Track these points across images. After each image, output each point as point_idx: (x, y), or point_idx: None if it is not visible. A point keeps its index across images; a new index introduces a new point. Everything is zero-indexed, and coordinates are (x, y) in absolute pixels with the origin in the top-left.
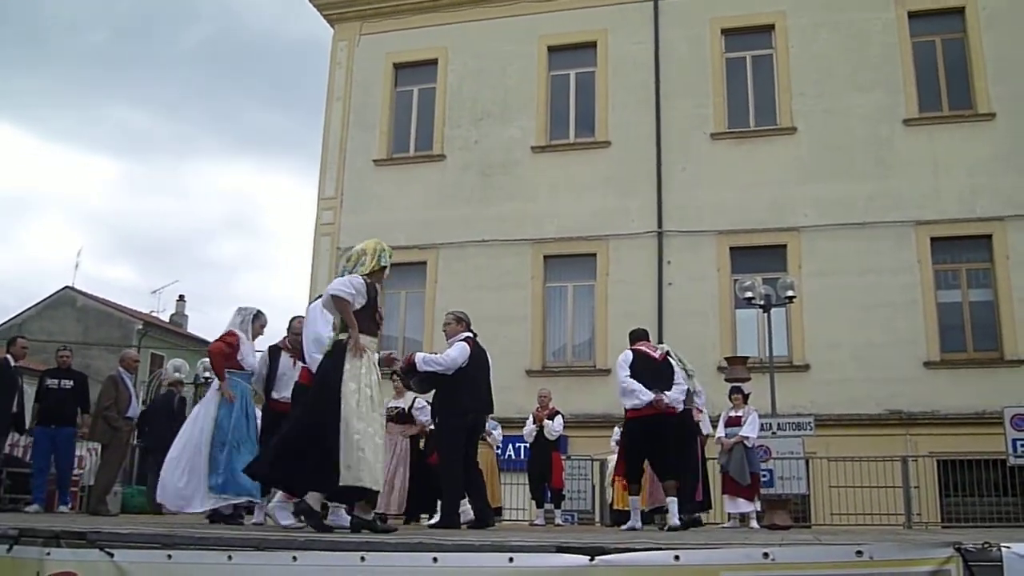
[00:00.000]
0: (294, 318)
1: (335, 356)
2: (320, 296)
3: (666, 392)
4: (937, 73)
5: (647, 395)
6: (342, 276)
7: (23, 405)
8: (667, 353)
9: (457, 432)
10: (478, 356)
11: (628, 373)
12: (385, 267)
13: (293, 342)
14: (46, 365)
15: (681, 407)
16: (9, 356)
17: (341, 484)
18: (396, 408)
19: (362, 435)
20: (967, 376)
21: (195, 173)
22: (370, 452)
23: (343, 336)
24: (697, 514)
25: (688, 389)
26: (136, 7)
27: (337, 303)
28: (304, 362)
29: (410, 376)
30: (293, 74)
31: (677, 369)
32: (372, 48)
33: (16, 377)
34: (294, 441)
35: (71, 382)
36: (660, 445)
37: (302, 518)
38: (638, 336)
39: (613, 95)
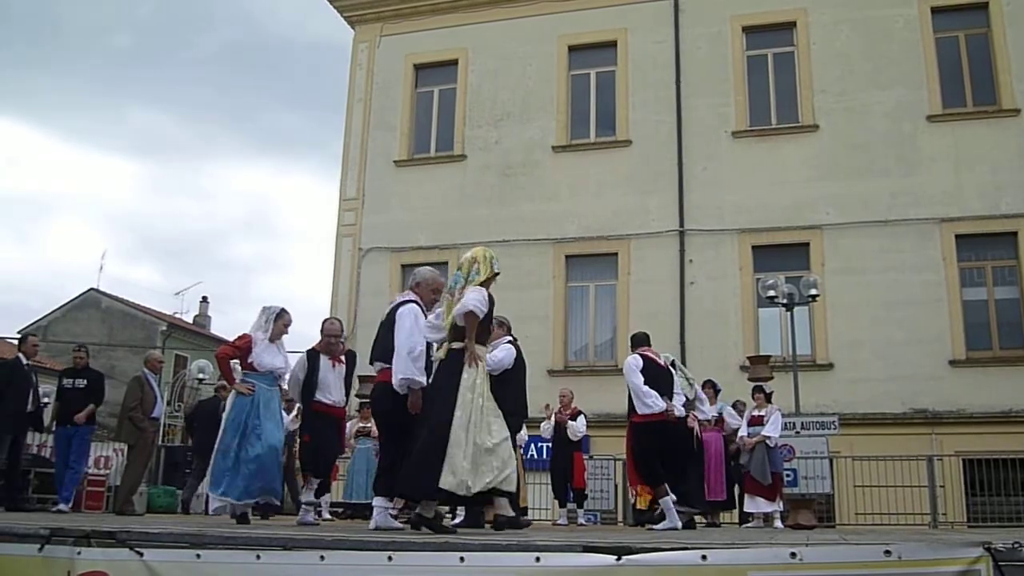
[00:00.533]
0: (326, 320)
1: (450, 365)
2: (405, 302)
3: (673, 403)
4: (961, 69)
5: (662, 403)
6: (455, 285)
7: (39, 403)
8: (672, 363)
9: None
10: (520, 360)
11: (643, 379)
12: (497, 273)
13: (328, 344)
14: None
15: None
16: (21, 355)
17: (441, 486)
18: None
19: (469, 444)
20: (993, 374)
21: (216, 174)
22: (469, 461)
23: (456, 345)
24: (693, 516)
25: (688, 397)
26: (158, 11)
27: (470, 318)
28: (342, 362)
29: None
30: (313, 76)
31: (678, 378)
32: (392, 49)
33: (30, 375)
34: (422, 453)
35: (84, 381)
36: (669, 449)
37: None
38: (640, 340)
39: (633, 94)
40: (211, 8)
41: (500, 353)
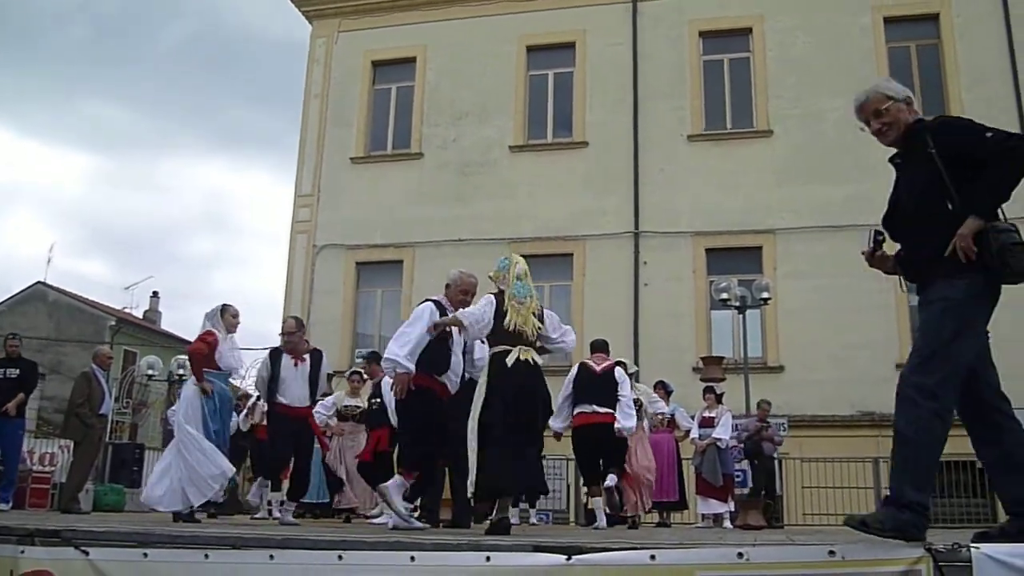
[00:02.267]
0: (290, 317)
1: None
2: (426, 300)
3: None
4: (912, 78)
5: (555, 423)
6: (524, 295)
7: None
8: (616, 364)
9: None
10: None
11: (567, 391)
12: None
13: (286, 343)
14: None
15: (631, 424)
16: None
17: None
18: (356, 407)
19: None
20: None
21: (172, 170)
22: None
23: (538, 358)
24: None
25: (636, 400)
26: (118, 3)
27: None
28: (305, 361)
29: None
30: (273, 72)
31: (623, 382)
32: (350, 45)
33: None
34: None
35: (17, 371)
36: (596, 452)
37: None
38: (596, 348)
39: (591, 95)
40: (173, 2)
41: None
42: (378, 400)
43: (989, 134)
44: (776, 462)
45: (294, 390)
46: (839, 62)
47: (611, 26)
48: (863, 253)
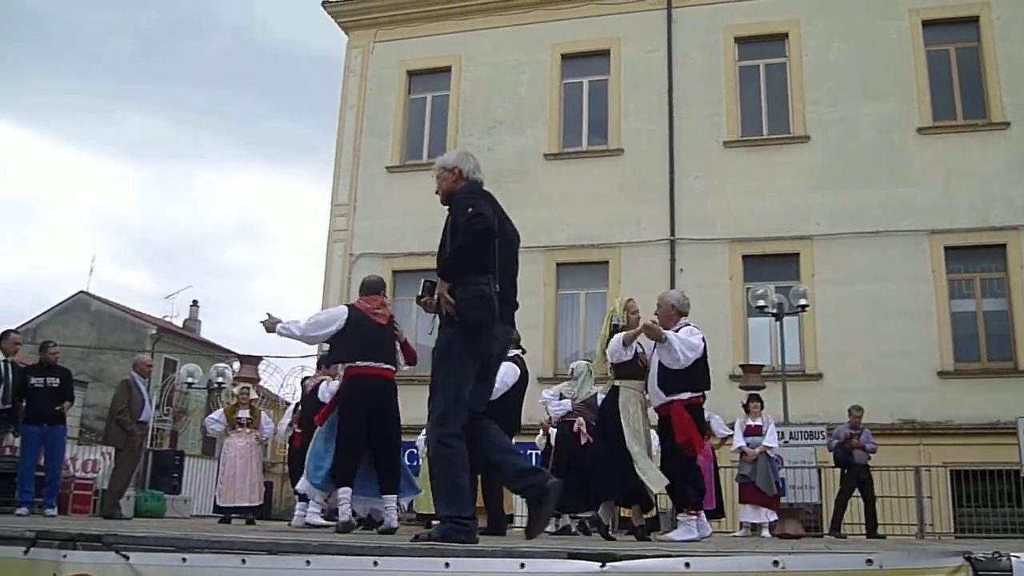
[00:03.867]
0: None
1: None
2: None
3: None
4: (951, 82)
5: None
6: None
7: (12, 401)
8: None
9: None
10: (523, 376)
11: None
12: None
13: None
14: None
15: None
16: None
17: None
18: None
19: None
20: (981, 386)
21: (210, 180)
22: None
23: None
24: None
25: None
26: (159, 18)
27: None
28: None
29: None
30: (310, 84)
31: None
32: (386, 56)
33: (6, 372)
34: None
35: (57, 380)
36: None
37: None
38: None
39: (626, 103)
40: (212, 16)
41: (507, 377)
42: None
43: (469, 210)
44: (868, 471)
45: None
46: (876, 66)
47: (646, 33)
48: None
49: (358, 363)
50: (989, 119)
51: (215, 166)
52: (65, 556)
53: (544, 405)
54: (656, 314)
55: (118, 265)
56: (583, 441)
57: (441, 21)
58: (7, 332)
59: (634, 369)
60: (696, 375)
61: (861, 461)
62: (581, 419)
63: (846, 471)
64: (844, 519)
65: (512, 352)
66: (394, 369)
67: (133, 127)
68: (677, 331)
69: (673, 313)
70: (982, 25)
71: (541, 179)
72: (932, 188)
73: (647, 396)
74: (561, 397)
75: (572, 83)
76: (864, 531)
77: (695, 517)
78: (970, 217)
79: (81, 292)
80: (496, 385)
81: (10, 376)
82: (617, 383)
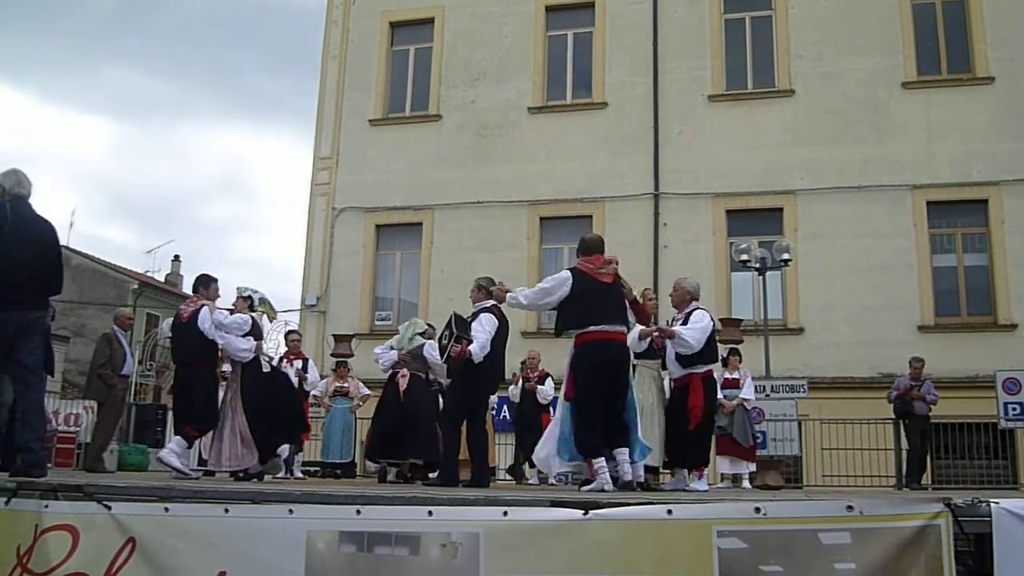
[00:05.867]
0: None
1: None
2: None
3: None
4: (936, 36)
5: None
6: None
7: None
8: None
9: (477, 398)
10: (503, 326)
11: None
12: None
13: None
14: None
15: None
16: None
17: None
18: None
19: None
20: (960, 340)
21: (192, 135)
22: None
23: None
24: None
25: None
26: None
27: None
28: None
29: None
30: (293, 39)
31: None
32: (368, 6)
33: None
34: None
35: None
36: None
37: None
38: None
39: (611, 56)
40: None
41: (487, 326)
42: None
43: None
44: (928, 421)
45: None
46: (861, 21)
47: None
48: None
49: (590, 328)
50: (973, 73)
51: (198, 121)
52: (47, 506)
53: (376, 360)
54: (671, 295)
55: (99, 220)
56: (403, 388)
57: None
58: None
59: (649, 351)
60: (706, 351)
61: (922, 412)
62: (405, 369)
63: (907, 422)
64: (826, 471)
65: (488, 303)
66: (625, 331)
67: (114, 82)
68: (690, 313)
69: (688, 298)
70: None
71: (525, 132)
72: (915, 143)
73: (664, 373)
74: (391, 349)
75: (556, 35)
76: (847, 483)
77: (703, 474)
78: (952, 172)
79: (62, 247)
80: (482, 341)
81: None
82: (635, 362)
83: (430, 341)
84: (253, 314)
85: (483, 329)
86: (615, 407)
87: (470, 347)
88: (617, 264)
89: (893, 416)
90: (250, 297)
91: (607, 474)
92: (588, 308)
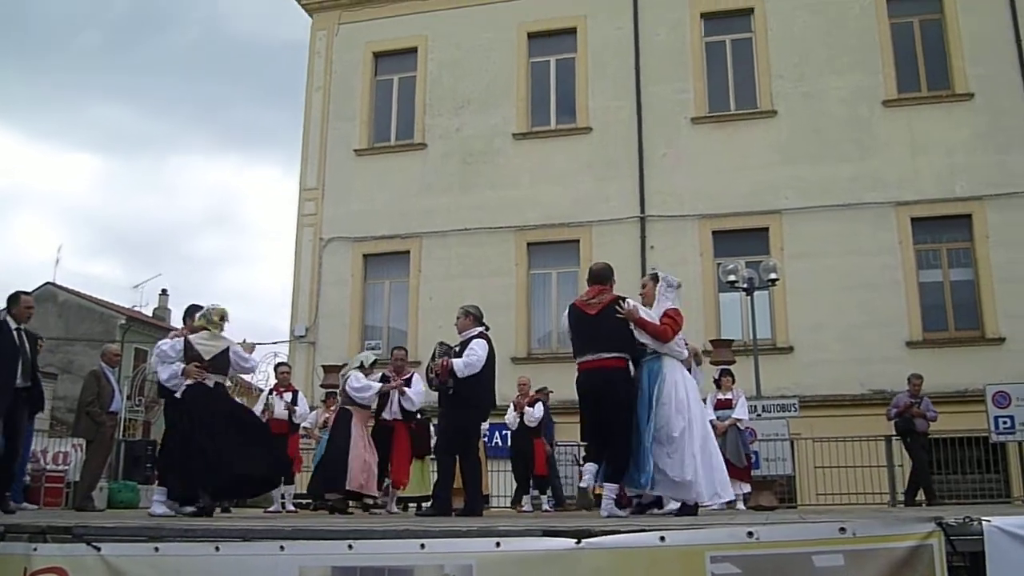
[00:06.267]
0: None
1: None
2: None
3: None
4: (915, 54)
5: None
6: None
7: (36, 378)
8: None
9: (477, 425)
10: (491, 353)
11: None
12: None
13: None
14: None
15: None
16: (10, 318)
17: None
18: None
19: None
20: (949, 355)
21: (180, 169)
22: None
23: None
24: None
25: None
26: (129, 9)
27: None
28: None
29: (445, 385)
30: (278, 72)
31: None
32: (351, 37)
33: (22, 342)
34: None
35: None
36: None
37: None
38: None
39: (593, 81)
40: (182, 8)
41: (479, 351)
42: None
43: None
44: (927, 438)
45: None
46: (841, 40)
47: (612, 10)
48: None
49: (577, 359)
50: (953, 90)
51: (186, 155)
52: (35, 549)
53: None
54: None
55: (86, 256)
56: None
57: (406, 1)
58: (17, 295)
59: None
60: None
61: (922, 429)
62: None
63: (909, 440)
64: (819, 490)
65: (477, 328)
66: (613, 357)
67: (100, 118)
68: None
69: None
70: None
71: (510, 159)
72: (898, 160)
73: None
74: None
75: (539, 62)
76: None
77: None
78: (936, 188)
79: (48, 283)
80: (471, 360)
81: (27, 347)
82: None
83: (355, 372)
84: (195, 335)
85: (475, 351)
86: (608, 431)
87: (453, 360)
88: (618, 298)
89: (885, 433)
90: (205, 315)
91: (611, 502)
92: (575, 340)
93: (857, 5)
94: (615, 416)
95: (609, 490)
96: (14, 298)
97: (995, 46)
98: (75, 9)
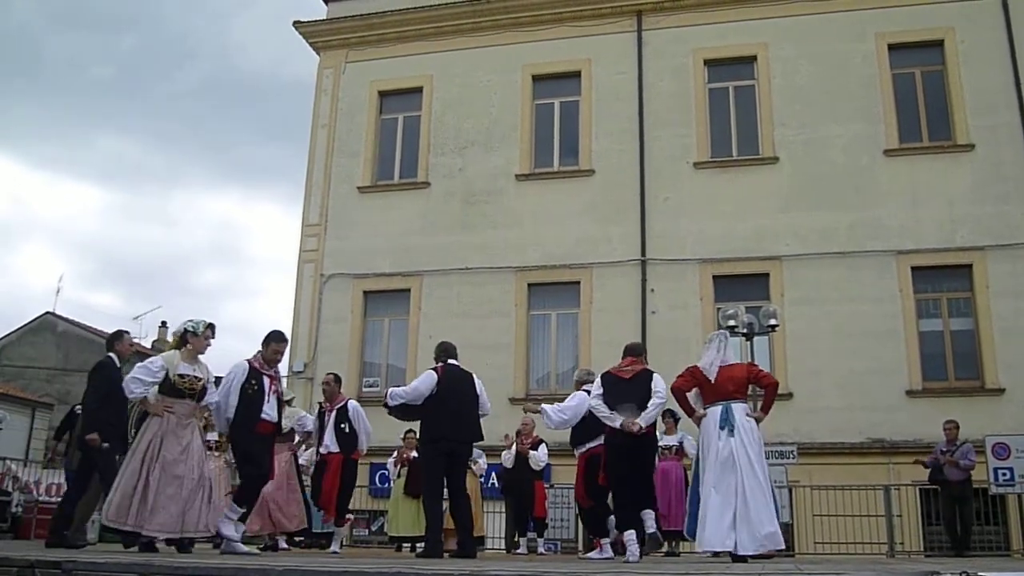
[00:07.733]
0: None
1: None
2: None
3: None
4: (917, 105)
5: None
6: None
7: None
8: None
9: (432, 460)
10: (454, 385)
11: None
12: None
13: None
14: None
15: None
16: (113, 356)
17: None
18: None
19: None
20: (949, 405)
21: (184, 202)
22: None
23: None
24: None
25: None
26: (139, 46)
27: None
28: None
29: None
30: (284, 109)
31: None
32: (357, 76)
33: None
34: None
35: None
36: None
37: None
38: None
39: (597, 124)
40: (191, 44)
41: (416, 381)
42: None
43: None
44: (963, 487)
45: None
46: (843, 89)
47: (616, 55)
48: None
49: None
50: (954, 141)
51: (190, 188)
52: None
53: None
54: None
55: (88, 286)
56: None
57: (412, 42)
58: (120, 332)
59: None
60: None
61: (954, 478)
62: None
63: (939, 490)
64: (817, 538)
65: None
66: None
67: (105, 150)
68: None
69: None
70: (946, 49)
71: (513, 199)
72: (899, 209)
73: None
74: None
75: (543, 104)
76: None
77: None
78: (937, 238)
79: (47, 313)
80: (409, 395)
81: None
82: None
83: (305, 413)
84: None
85: (412, 384)
86: (633, 485)
87: (389, 389)
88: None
89: (884, 482)
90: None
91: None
92: (607, 400)
93: (859, 55)
94: (641, 468)
95: (629, 537)
96: (117, 336)
97: (996, 98)
98: (87, 44)
